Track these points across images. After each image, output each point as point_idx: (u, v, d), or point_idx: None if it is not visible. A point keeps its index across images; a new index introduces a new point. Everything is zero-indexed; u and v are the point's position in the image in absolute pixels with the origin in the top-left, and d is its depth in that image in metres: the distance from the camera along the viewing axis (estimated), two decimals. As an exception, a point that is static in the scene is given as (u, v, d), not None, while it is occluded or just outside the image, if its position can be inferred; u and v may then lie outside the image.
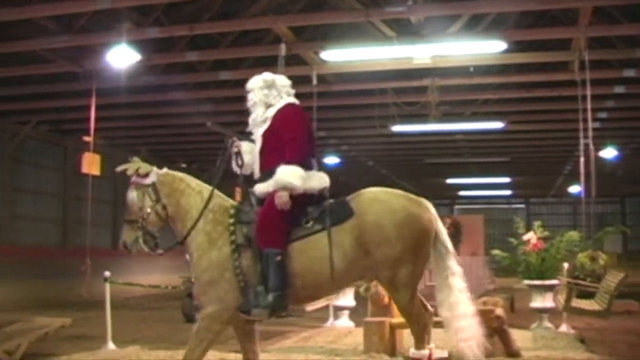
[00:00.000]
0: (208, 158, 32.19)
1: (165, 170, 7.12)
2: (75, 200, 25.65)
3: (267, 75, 7.11)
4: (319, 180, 6.75)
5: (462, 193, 45.36)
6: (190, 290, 16.09)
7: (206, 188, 7.06)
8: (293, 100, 7.06)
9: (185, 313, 16.26)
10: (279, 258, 6.34)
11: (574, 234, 13.39)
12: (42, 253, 23.78)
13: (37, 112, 22.33)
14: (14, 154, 23.20)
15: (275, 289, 6.34)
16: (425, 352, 6.71)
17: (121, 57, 15.16)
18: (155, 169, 7.06)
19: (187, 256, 6.79)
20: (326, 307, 14.75)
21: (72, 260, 21.83)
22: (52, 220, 25.22)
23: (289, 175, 6.47)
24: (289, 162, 6.52)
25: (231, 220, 6.67)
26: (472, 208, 47.42)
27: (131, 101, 19.86)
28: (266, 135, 6.82)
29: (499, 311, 9.57)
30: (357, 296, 14.30)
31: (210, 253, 6.56)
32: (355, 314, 14.52)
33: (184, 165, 33.49)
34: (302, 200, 6.58)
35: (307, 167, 6.66)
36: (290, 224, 6.49)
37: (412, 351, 6.87)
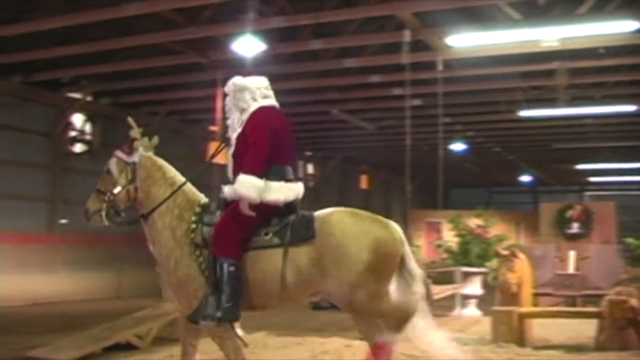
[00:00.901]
0: (333, 146, 32.43)
1: (149, 153, 7.10)
2: (204, 189, 26.23)
3: (237, 79, 6.86)
4: (285, 192, 6.44)
5: (592, 179, 44.05)
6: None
7: (180, 182, 7.00)
8: (268, 102, 6.79)
9: (313, 300, 16.45)
10: (232, 269, 6.17)
11: None
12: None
13: (166, 103, 22.98)
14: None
15: (227, 301, 6.20)
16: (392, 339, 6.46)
17: (246, 47, 15.43)
18: (141, 149, 7.07)
19: (150, 246, 6.78)
20: (453, 296, 14.65)
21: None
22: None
23: (242, 186, 6.27)
24: (245, 172, 6.31)
25: (194, 219, 6.57)
26: (602, 195, 45.97)
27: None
28: (238, 140, 6.59)
29: (634, 302, 9.30)
30: (485, 284, 14.15)
31: (175, 252, 6.50)
32: (483, 302, 14.37)
33: (309, 154, 33.83)
34: (265, 210, 6.35)
35: (273, 175, 6.41)
36: (248, 234, 6.29)
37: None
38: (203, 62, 17.83)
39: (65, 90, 20.80)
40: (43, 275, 19.15)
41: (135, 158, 6.97)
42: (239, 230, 6.26)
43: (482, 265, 14.26)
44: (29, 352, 9.71)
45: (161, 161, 7.11)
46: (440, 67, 16.43)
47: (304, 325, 13.36)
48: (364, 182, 41.15)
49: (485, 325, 10.91)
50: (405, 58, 15.16)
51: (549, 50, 16.25)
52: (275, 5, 15.34)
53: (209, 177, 25.73)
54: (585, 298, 13.95)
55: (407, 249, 6.50)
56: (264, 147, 6.36)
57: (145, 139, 7.13)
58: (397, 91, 19.73)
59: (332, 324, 13.64)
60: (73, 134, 21.85)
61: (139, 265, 22.43)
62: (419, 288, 6.44)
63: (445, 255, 15.88)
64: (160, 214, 6.69)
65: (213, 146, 26.08)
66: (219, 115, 17.43)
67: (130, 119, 7.27)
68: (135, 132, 7.11)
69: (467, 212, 16.37)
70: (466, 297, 14.42)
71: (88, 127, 22.30)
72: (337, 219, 6.41)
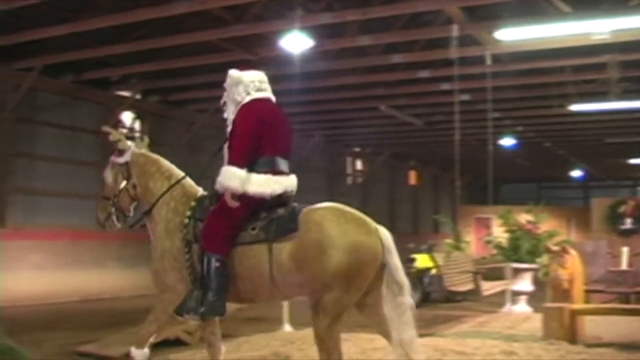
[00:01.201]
0: (382, 142, 32.37)
1: (142, 150, 7.18)
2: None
3: (233, 72, 6.92)
4: (271, 185, 6.33)
5: (646, 174, 43.38)
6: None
7: (176, 175, 7.06)
8: (262, 95, 6.75)
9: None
10: (218, 264, 6.16)
11: None
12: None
13: (213, 101, 23.03)
14: (190, 142, 24.11)
15: (212, 296, 6.18)
16: None
17: (294, 44, 15.47)
18: (132, 147, 7.13)
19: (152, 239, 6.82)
20: (503, 292, 14.53)
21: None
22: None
23: (223, 176, 6.31)
24: (228, 163, 6.40)
25: (188, 213, 6.60)
26: (657, 190, 45.28)
27: (304, 87, 20.21)
28: (230, 133, 6.65)
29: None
30: (536, 281, 14.01)
31: (164, 242, 6.55)
32: (534, 299, 14.22)
33: (357, 150, 33.82)
34: (251, 203, 6.28)
35: (261, 167, 6.36)
36: (236, 229, 6.25)
37: None
38: (251, 59, 17.89)
39: (115, 88, 21.06)
40: (95, 271, 19.41)
41: (127, 158, 7.05)
42: (226, 225, 6.25)
43: (532, 262, 14.10)
44: (79, 347, 9.83)
45: (155, 156, 7.17)
46: (488, 61, 16.30)
47: (353, 321, 13.30)
48: (412, 178, 41.03)
49: (535, 322, 10.79)
50: (454, 53, 15.08)
51: (599, 43, 16.02)
52: (323, 2, 15.35)
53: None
54: (639, 295, 13.74)
55: (394, 258, 6.24)
56: (246, 139, 6.38)
57: (125, 141, 7.14)
58: (445, 86, 19.64)
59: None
60: (122, 131, 22.10)
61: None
62: (406, 300, 6.26)
63: (494, 251, 15.77)
64: (158, 207, 6.78)
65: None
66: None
67: (104, 128, 7.43)
68: (114, 135, 7.15)
69: (517, 208, 16.21)
70: (516, 294, 14.29)
71: (137, 125, 22.55)
72: (320, 215, 6.19)
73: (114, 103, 20.97)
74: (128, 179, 6.99)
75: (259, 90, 6.75)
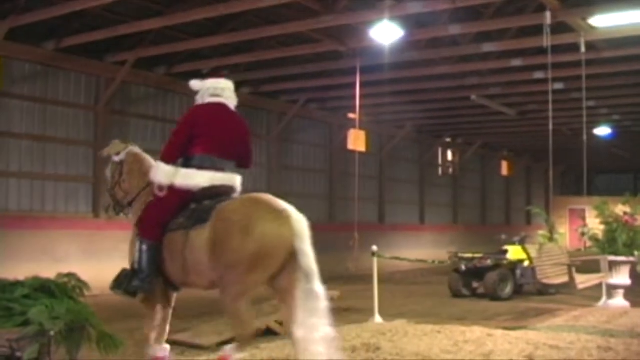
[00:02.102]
0: (473, 132, 32.05)
1: (135, 150, 7.80)
2: (342, 176, 26.46)
3: (193, 83, 7.55)
4: (197, 179, 6.95)
5: None
6: (458, 265, 16.16)
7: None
8: (214, 100, 7.34)
9: (452, 288, 16.30)
10: (145, 247, 6.83)
11: None
12: (319, 228, 24.66)
13: (305, 91, 23.21)
14: (282, 133, 24.29)
15: (139, 277, 6.85)
16: (241, 355, 6.69)
17: (384, 34, 15.39)
18: (130, 148, 7.79)
19: None
20: (599, 286, 14.20)
21: (339, 234, 22.56)
22: (319, 196, 26.17)
23: (154, 170, 7.16)
24: (159, 159, 7.19)
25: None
26: None
27: (395, 77, 20.12)
28: None
29: None
30: (634, 274, 13.65)
31: (132, 234, 7.18)
32: (631, 293, 13.86)
33: (448, 140, 33.54)
34: (182, 195, 6.93)
35: (193, 163, 7.02)
36: (165, 217, 6.89)
37: (227, 347, 6.63)
38: (341, 50, 17.91)
39: (207, 80, 21.32)
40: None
41: (121, 157, 7.76)
42: (156, 214, 6.95)
43: (630, 254, 13.74)
44: (171, 336, 9.98)
45: (144, 155, 7.75)
46: (583, 48, 15.89)
47: (445, 313, 13.24)
48: (504, 169, 40.51)
49: (633, 317, 10.54)
50: (547, 40, 14.76)
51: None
52: (413, -9, 15.22)
53: (345, 165, 25.90)
54: None
55: (304, 245, 6.54)
56: (176, 137, 7.15)
57: (120, 145, 7.88)
58: (538, 75, 19.27)
59: (473, 312, 13.48)
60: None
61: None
62: (314, 288, 6.41)
63: (589, 244, 15.43)
64: (135, 201, 7.48)
65: (353, 133, 26.25)
66: (358, 102, 17.47)
67: (101, 153, 8.16)
68: (104, 152, 7.95)
69: (614, 199, 15.79)
70: (613, 287, 13.92)
71: (229, 117, 22.81)
72: (235, 203, 6.69)
73: (206, 95, 21.25)
74: (120, 175, 7.73)
75: (213, 95, 7.37)
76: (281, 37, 17.74)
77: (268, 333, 10.22)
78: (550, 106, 16.41)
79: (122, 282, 6.95)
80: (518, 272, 16.08)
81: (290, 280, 6.48)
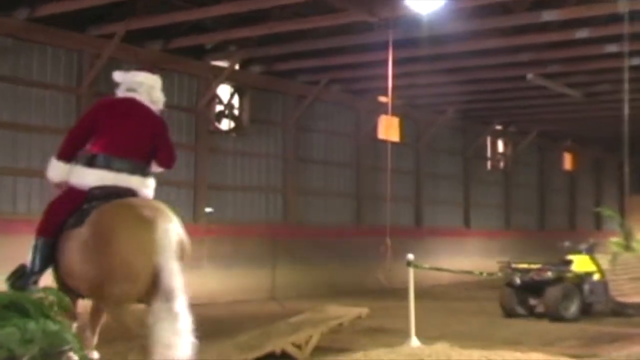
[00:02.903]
0: (529, 118, 31.90)
1: None
2: (371, 171, 26.43)
3: (115, 74, 8.52)
4: (86, 177, 7.79)
5: None
6: (511, 278, 16.09)
7: None
8: (127, 95, 8.25)
9: (505, 306, 16.27)
10: (37, 244, 7.66)
11: None
12: (333, 232, 24.78)
13: (327, 70, 23.17)
14: (300, 120, 24.26)
15: (28, 272, 7.62)
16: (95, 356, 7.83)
17: (422, 3, 15.34)
18: None
19: None
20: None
21: (368, 240, 22.58)
22: (344, 195, 26.17)
23: (48, 166, 8.08)
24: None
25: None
26: None
27: (434, 53, 20.06)
28: None
29: None
30: None
31: None
32: None
33: (498, 128, 33.43)
34: (73, 193, 7.83)
35: (85, 161, 7.89)
36: (58, 216, 7.71)
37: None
38: (371, 21, 17.86)
39: (210, 57, 21.35)
40: (186, 272, 19.72)
41: None
42: (50, 211, 7.81)
43: None
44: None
45: None
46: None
47: (495, 335, 13.23)
48: (567, 162, 40.33)
49: None
50: (622, 7, 14.64)
51: None
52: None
53: (375, 158, 25.84)
54: None
55: (164, 261, 7.09)
56: (72, 132, 8.11)
57: None
58: (610, 48, 19.13)
59: (529, 334, 13.45)
60: (219, 108, 22.42)
61: (296, 260, 22.92)
62: (175, 308, 6.94)
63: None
64: None
65: (384, 120, 26.22)
66: (390, 83, 17.42)
67: None
68: None
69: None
70: None
71: (236, 100, 22.83)
72: (108, 207, 7.36)
73: (210, 75, 21.27)
74: None
75: (129, 90, 8.24)
76: (298, 6, 17.70)
77: (283, 357, 10.24)
78: (626, 86, 16.26)
79: (11, 277, 7.67)
80: (586, 287, 16.02)
81: (153, 296, 7.05)
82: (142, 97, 8.16)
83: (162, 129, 8.24)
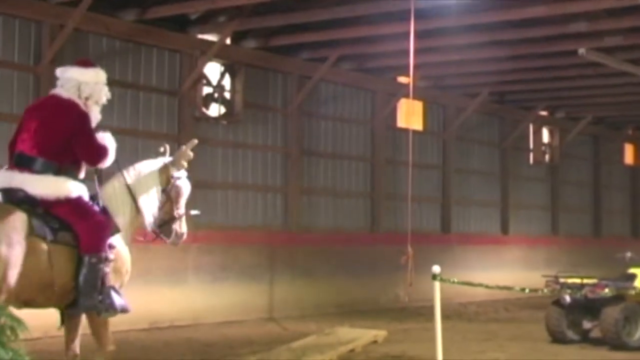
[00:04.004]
0: (582, 102, 31.86)
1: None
2: (389, 166, 26.44)
3: (57, 71, 9.89)
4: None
5: None
6: (559, 295, 16.06)
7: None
8: (54, 91, 9.75)
9: (552, 329, 16.25)
10: None
11: None
12: (343, 240, 24.77)
13: (335, 45, 23.15)
14: (303, 105, 24.28)
15: None
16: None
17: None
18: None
19: None
20: None
21: (385, 249, 22.62)
22: (356, 194, 26.28)
23: None
24: None
25: None
26: None
27: (466, 24, 20.06)
28: None
29: None
30: None
31: None
32: None
33: (543, 113, 33.41)
34: None
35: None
36: None
37: None
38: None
39: (196, 30, 21.38)
40: (168, 288, 19.73)
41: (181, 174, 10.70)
42: None
43: None
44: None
45: None
46: None
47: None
48: (628, 155, 40.25)
49: None
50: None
51: None
52: None
53: (394, 150, 25.79)
54: None
55: None
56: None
57: None
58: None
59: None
60: (207, 90, 22.40)
61: (299, 272, 22.93)
62: None
63: None
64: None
65: (405, 105, 26.23)
66: (412, 61, 17.43)
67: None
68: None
69: None
70: None
71: (227, 81, 22.83)
72: None
73: (195, 50, 21.27)
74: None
75: (60, 87, 9.62)
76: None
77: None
78: None
79: None
80: (654, 307, 15.98)
81: None
82: (61, 90, 9.55)
83: (78, 124, 9.39)
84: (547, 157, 34.95)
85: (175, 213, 10.30)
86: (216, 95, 22.47)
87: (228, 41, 21.78)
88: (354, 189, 26.12)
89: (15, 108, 17.95)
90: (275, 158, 23.62)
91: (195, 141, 10.62)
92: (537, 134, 34.61)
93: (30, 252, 8.69)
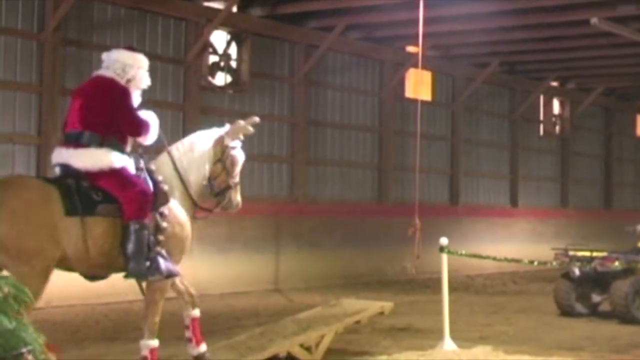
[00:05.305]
0: (594, 72, 31.77)
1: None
2: (396, 137, 26.42)
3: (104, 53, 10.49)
4: (54, 157, 10.02)
5: None
6: (568, 268, 16.05)
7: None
8: (98, 73, 10.31)
9: (561, 302, 16.25)
10: None
11: None
12: (350, 211, 24.77)
13: (343, 14, 23.09)
14: (310, 74, 24.20)
15: None
16: None
17: None
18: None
19: None
20: None
21: (392, 221, 22.61)
22: (363, 165, 26.24)
23: None
24: None
25: None
26: None
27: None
28: None
29: None
30: None
31: None
32: None
33: (554, 84, 33.33)
34: None
35: None
36: None
37: None
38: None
39: (202, -4, 21.36)
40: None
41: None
42: None
43: None
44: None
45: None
46: None
47: (549, 338, 13.25)
48: (640, 127, 40.20)
49: None
50: None
51: None
52: None
53: (402, 120, 25.75)
54: None
55: None
56: None
57: None
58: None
59: (592, 339, 13.44)
60: (213, 59, 22.38)
61: (305, 244, 22.96)
62: None
63: None
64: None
65: (413, 75, 26.17)
66: (420, 29, 17.38)
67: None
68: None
69: None
70: None
71: (234, 50, 22.80)
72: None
73: (201, 18, 21.23)
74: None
75: (105, 68, 10.13)
76: None
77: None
78: None
79: None
80: (663, 280, 15.97)
81: None
82: (112, 73, 10.01)
83: (121, 98, 9.86)
84: (557, 128, 34.91)
85: (231, 182, 10.77)
86: (222, 64, 22.46)
87: (234, 9, 21.73)
88: (361, 160, 26.09)
89: (19, 76, 17.98)
90: (281, 128, 23.60)
91: (257, 119, 11.16)
92: (548, 105, 34.57)
93: (62, 229, 9.04)
